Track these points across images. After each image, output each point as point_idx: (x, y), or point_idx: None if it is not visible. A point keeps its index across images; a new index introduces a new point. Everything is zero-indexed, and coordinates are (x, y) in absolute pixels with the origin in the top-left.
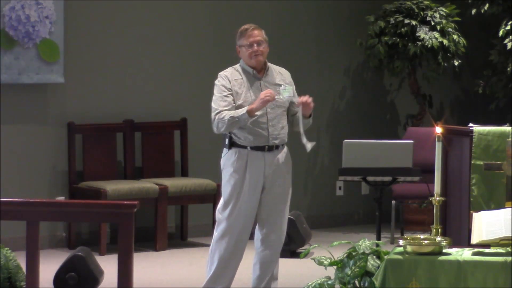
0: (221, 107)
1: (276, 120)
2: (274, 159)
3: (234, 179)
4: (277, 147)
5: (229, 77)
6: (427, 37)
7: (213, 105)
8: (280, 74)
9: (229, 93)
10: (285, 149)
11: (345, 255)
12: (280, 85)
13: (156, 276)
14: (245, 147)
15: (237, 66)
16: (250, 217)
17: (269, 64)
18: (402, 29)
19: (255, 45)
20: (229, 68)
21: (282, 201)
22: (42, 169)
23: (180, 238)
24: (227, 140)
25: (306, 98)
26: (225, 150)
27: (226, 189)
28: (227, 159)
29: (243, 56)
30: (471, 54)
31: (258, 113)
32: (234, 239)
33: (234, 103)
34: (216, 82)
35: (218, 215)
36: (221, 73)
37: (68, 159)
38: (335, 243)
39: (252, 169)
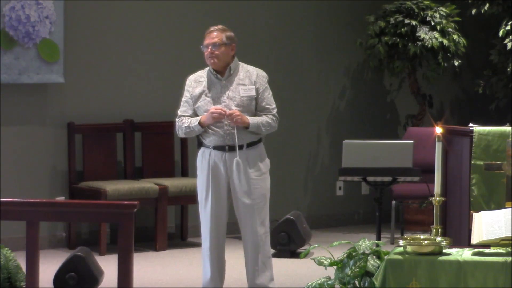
0: (181, 111)
1: None
2: (235, 160)
3: (201, 180)
4: (240, 147)
5: (193, 80)
6: (427, 37)
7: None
8: (247, 73)
9: (189, 97)
10: (255, 149)
11: (345, 255)
12: (243, 84)
13: (156, 276)
14: (208, 147)
15: (207, 68)
16: (220, 218)
17: (239, 64)
18: (402, 29)
19: (210, 47)
20: (199, 71)
21: (249, 202)
22: (42, 169)
23: (180, 238)
24: (197, 140)
25: (229, 111)
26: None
27: (198, 190)
28: (197, 159)
29: (205, 56)
30: (471, 54)
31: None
32: (210, 240)
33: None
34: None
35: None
36: (189, 77)
37: (68, 159)
38: (335, 243)
39: (215, 169)
